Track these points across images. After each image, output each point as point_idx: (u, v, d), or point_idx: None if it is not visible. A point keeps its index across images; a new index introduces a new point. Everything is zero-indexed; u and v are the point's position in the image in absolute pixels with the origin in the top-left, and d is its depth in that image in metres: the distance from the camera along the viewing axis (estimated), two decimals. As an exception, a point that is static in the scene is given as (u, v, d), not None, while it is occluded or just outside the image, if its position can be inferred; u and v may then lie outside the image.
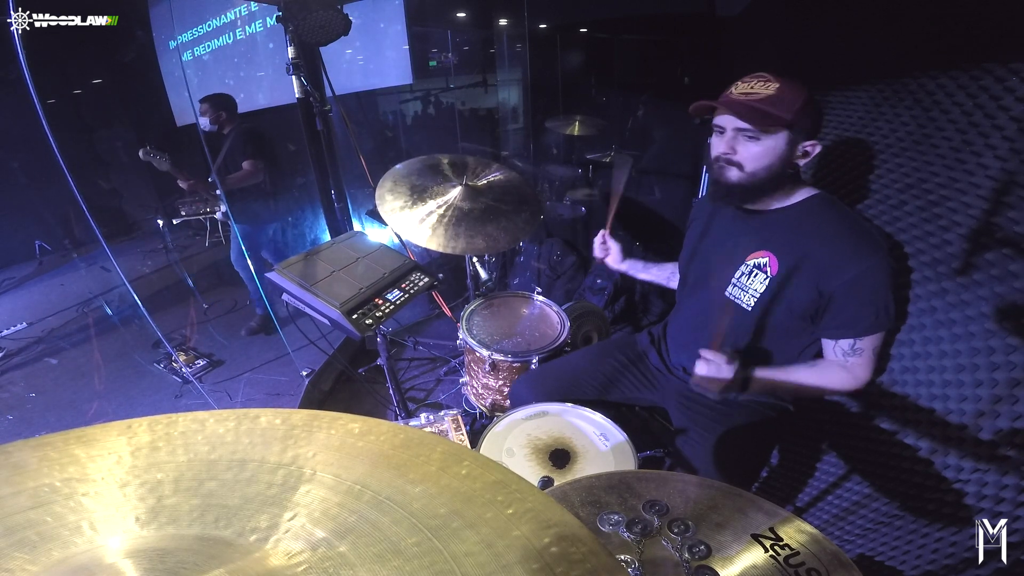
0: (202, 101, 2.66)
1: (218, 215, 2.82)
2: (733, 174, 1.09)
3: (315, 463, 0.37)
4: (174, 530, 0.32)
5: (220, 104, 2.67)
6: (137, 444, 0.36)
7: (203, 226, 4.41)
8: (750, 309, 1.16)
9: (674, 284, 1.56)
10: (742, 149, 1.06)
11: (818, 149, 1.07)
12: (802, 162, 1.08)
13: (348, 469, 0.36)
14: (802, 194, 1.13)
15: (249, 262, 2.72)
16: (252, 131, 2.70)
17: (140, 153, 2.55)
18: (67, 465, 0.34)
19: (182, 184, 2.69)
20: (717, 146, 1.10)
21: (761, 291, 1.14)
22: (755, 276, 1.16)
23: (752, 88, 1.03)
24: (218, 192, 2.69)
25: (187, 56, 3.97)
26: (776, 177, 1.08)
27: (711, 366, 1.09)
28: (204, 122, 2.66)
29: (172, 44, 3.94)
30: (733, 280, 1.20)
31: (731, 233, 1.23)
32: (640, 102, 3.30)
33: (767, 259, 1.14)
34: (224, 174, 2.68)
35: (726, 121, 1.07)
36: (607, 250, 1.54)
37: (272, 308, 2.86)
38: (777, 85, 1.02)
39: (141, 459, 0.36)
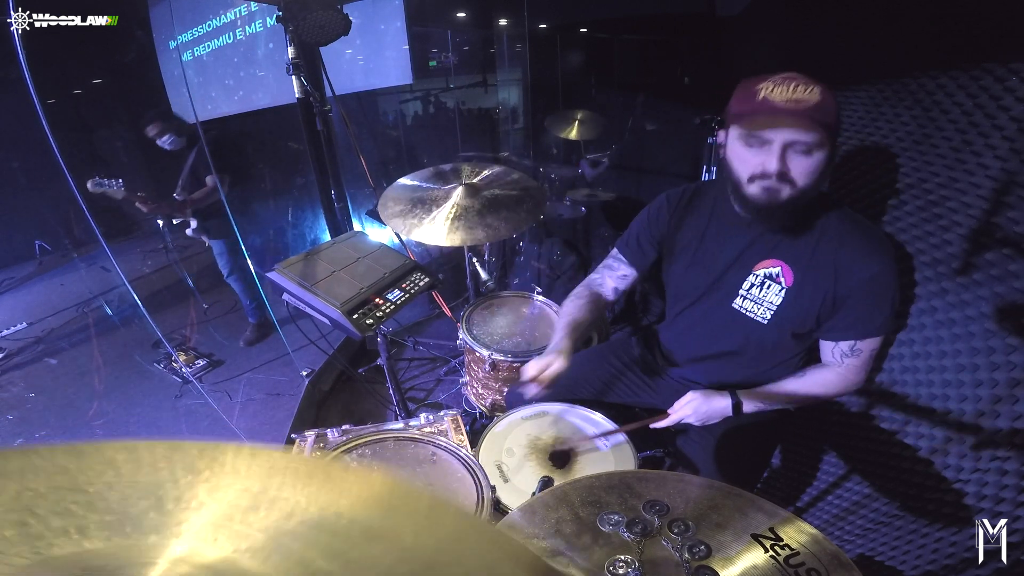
0: (154, 122, 2.46)
1: (189, 232, 2.67)
2: (785, 192, 0.96)
3: (301, 497, 0.38)
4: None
5: (172, 117, 2.51)
6: (135, 462, 0.37)
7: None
8: (766, 322, 1.11)
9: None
10: (794, 165, 0.94)
11: (840, 148, 1.03)
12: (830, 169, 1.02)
13: (335, 504, 0.37)
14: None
15: (250, 269, 2.68)
16: (213, 143, 2.56)
17: (88, 185, 2.34)
18: (53, 474, 0.34)
19: (142, 207, 2.51)
20: (760, 163, 0.96)
21: (778, 303, 1.09)
22: (768, 287, 1.10)
23: (796, 95, 0.91)
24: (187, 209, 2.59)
25: (187, 56, 3.97)
26: (821, 187, 0.99)
27: (683, 410, 1.11)
28: (170, 140, 2.50)
29: (172, 44, 3.94)
30: (742, 292, 1.13)
31: (732, 241, 1.15)
32: (636, 104, 3.29)
33: (779, 268, 1.08)
34: (190, 191, 2.56)
35: (774, 134, 0.93)
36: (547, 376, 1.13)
37: (272, 310, 2.86)
38: (819, 90, 0.91)
39: (143, 475, 0.36)
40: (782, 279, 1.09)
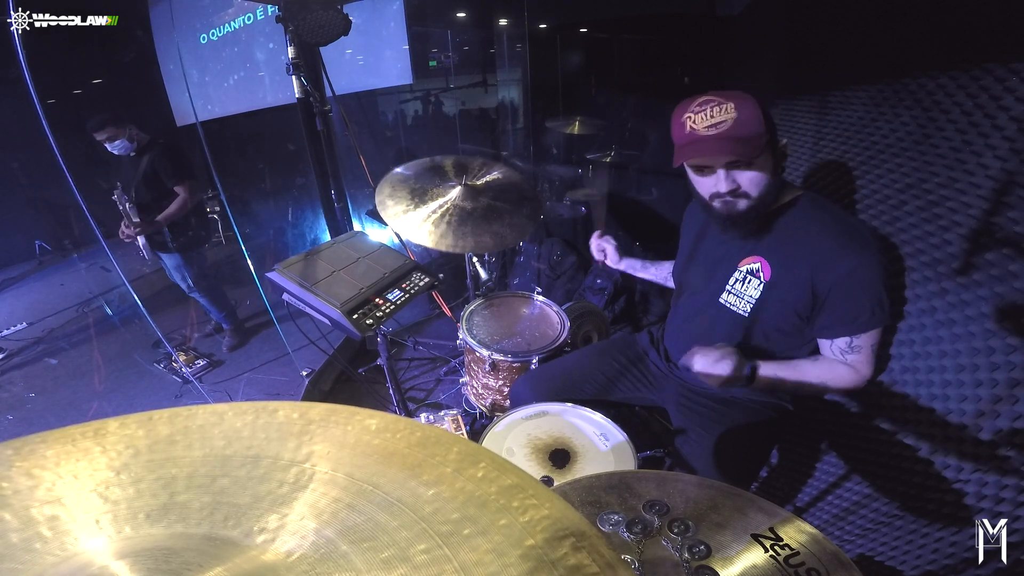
0: (104, 126, 2.31)
1: (144, 253, 2.51)
2: (742, 204, 1.06)
3: (329, 461, 0.36)
4: (183, 528, 0.32)
5: (125, 120, 2.35)
6: (155, 437, 0.36)
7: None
8: (746, 315, 1.17)
9: (672, 283, 1.57)
10: (742, 179, 1.03)
11: (785, 140, 1.07)
12: (784, 162, 1.08)
13: (361, 468, 0.35)
14: (788, 194, 1.13)
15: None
16: (174, 149, 2.46)
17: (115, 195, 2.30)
18: (79, 459, 0.34)
19: (125, 231, 2.44)
20: (712, 184, 1.06)
21: (756, 297, 1.14)
22: (749, 282, 1.16)
23: (713, 117, 0.99)
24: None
25: (187, 56, 3.97)
26: (776, 187, 1.07)
27: (706, 360, 1.10)
28: (121, 145, 2.35)
29: (173, 44, 3.94)
30: (727, 287, 1.20)
31: (722, 240, 1.23)
32: (629, 113, 3.28)
33: (759, 264, 1.14)
34: (149, 204, 2.41)
35: (712, 160, 1.03)
36: (603, 251, 1.60)
37: (271, 309, 2.86)
38: (733, 104, 0.98)
39: (158, 453, 0.36)
40: (761, 274, 1.14)
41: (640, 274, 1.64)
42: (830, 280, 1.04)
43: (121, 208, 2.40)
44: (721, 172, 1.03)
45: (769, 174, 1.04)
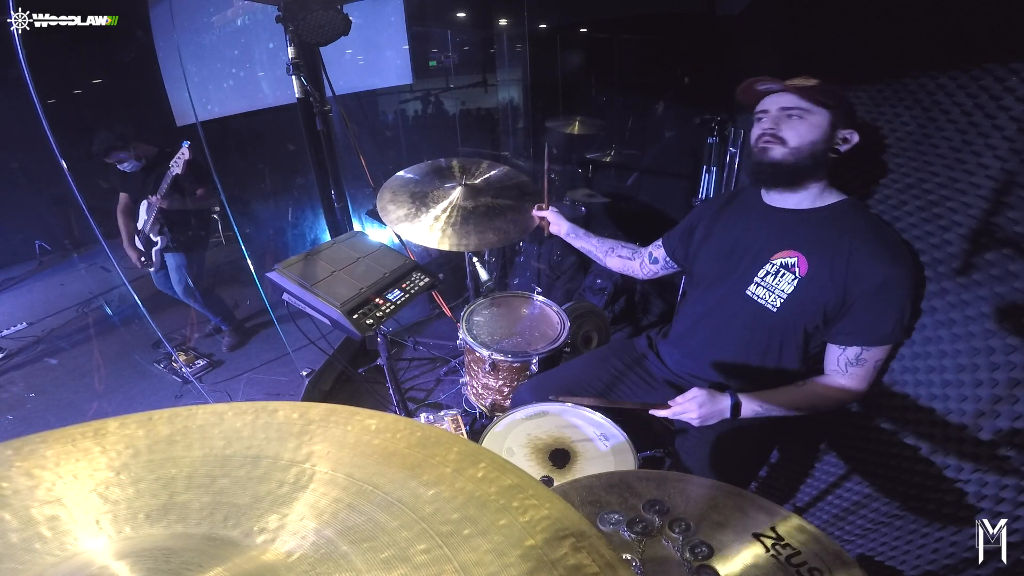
0: (109, 152, 2.35)
1: (153, 253, 2.59)
2: (777, 152, 1.10)
3: (329, 461, 0.36)
4: (183, 528, 0.32)
5: (128, 140, 2.39)
6: (155, 437, 0.36)
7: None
8: (775, 310, 1.15)
9: (611, 263, 1.59)
10: (786, 127, 1.09)
11: (856, 138, 1.10)
12: (842, 147, 1.11)
13: (361, 468, 0.35)
14: (832, 197, 1.14)
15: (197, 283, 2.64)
16: (192, 160, 2.46)
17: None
18: (79, 459, 0.34)
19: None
20: (758, 128, 1.14)
21: (789, 292, 1.13)
22: (782, 276, 1.14)
23: (796, 81, 1.10)
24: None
25: (187, 56, 3.97)
26: (817, 156, 1.10)
27: (687, 404, 1.12)
28: (130, 165, 2.41)
29: (173, 44, 3.94)
30: (756, 279, 1.18)
31: (754, 232, 1.22)
32: (659, 103, 3.27)
33: (795, 259, 1.13)
34: (177, 201, 2.48)
35: (770, 103, 1.12)
36: (544, 219, 1.68)
37: (271, 309, 2.86)
38: (817, 81, 1.09)
39: (158, 453, 0.36)
40: (797, 269, 1.12)
41: (578, 242, 1.65)
42: (864, 286, 1.04)
43: (145, 223, 2.45)
44: (772, 116, 1.11)
45: (817, 136, 1.08)
